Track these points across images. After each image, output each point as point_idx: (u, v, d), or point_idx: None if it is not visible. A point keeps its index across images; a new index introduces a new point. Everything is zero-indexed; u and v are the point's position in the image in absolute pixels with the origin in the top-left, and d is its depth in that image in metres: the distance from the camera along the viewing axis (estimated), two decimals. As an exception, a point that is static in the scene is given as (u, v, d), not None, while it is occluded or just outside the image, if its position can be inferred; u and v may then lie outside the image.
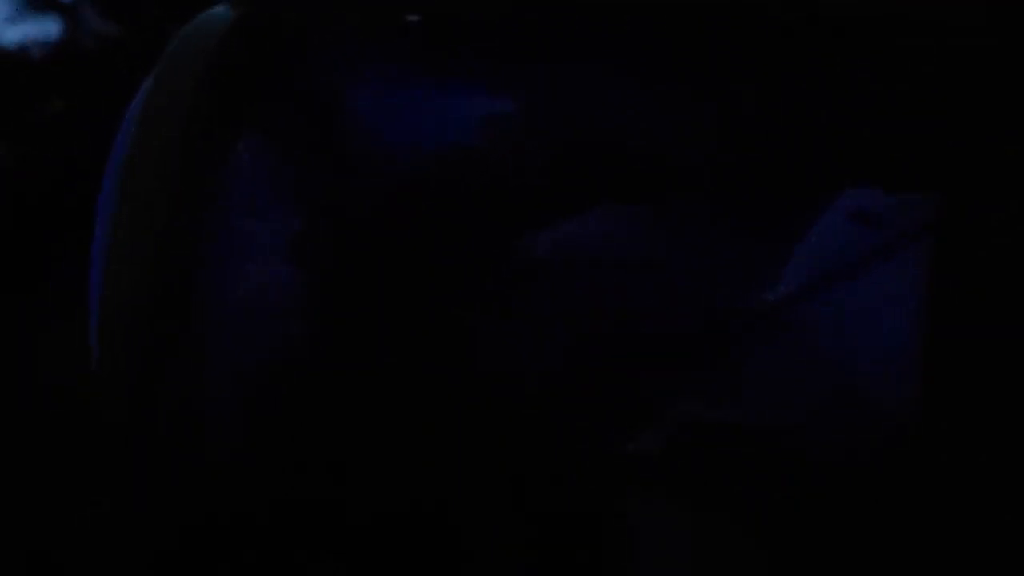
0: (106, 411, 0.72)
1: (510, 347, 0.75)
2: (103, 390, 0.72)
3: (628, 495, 0.74)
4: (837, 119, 0.73)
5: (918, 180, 0.74)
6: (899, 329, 0.74)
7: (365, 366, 0.74)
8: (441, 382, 0.74)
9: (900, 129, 0.72)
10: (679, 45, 0.71)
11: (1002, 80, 0.67)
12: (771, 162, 0.75)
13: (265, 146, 0.75)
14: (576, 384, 0.74)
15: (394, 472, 0.73)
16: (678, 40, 0.71)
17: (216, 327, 0.73)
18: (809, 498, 0.72)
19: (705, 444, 0.75)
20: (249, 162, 0.75)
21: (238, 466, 0.73)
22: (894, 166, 0.73)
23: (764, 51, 0.69)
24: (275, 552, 0.72)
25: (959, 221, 0.71)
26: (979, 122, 0.69)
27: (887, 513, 0.71)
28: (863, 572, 0.70)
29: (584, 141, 0.77)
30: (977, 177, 0.70)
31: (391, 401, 0.74)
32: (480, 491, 0.71)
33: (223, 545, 0.70)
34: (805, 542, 0.73)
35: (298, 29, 0.73)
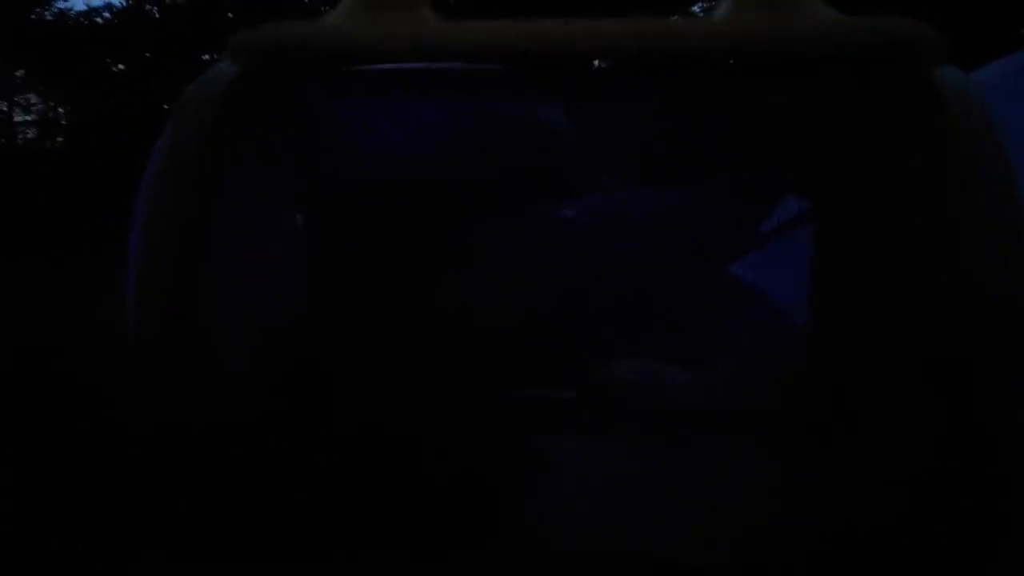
0: (138, 355, 0.82)
1: (474, 303, 0.87)
2: (136, 335, 0.82)
3: (550, 434, 0.86)
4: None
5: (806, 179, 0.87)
6: (793, 296, 0.86)
7: (353, 320, 0.86)
8: (412, 333, 0.86)
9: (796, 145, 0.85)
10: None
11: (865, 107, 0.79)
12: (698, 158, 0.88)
13: (267, 156, 0.85)
14: (522, 339, 0.87)
15: (373, 400, 0.85)
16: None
17: (230, 284, 0.84)
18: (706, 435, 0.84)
19: (624, 393, 0.88)
20: (255, 167, 0.85)
21: (249, 385, 0.85)
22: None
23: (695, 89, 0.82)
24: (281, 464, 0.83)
25: (838, 209, 0.83)
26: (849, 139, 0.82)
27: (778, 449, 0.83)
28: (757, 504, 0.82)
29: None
30: (848, 176, 0.83)
31: (373, 341, 0.86)
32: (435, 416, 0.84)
33: (235, 454, 0.81)
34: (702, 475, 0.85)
35: (289, 76, 0.80)
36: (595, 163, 0.95)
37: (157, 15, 7.03)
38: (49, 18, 7.29)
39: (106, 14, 7.13)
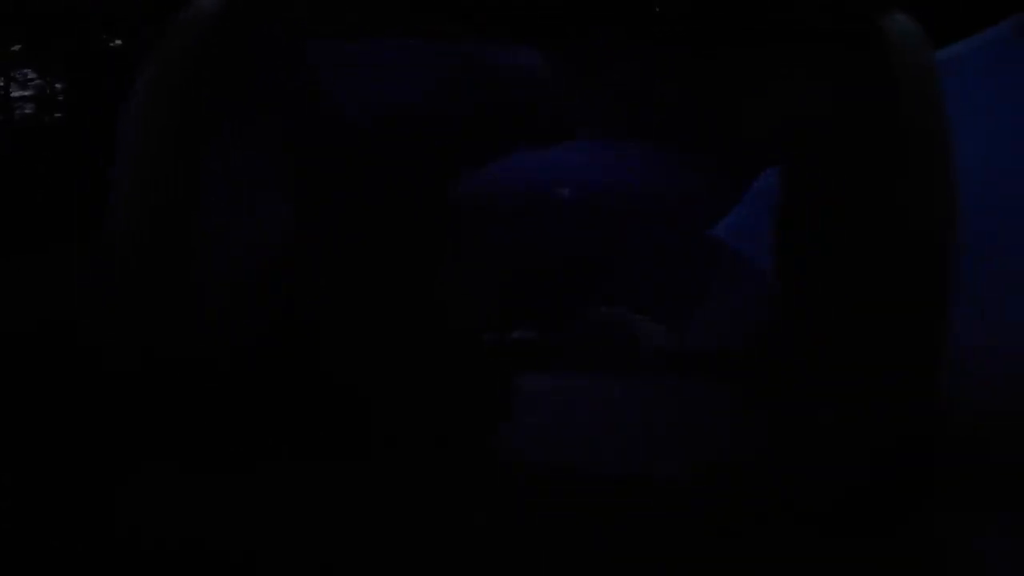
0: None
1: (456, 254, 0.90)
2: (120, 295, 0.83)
3: (524, 369, 0.89)
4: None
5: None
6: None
7: (338, 269, 0.88)
8: (397, 283, 0.88)
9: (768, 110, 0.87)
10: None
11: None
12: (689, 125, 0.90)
13: (253, 105, 0.84)
14: (504, 285, 0.89)
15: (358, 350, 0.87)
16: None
17: (216, 235, 0.85)
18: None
19: (599, 332, 0.90)
20: (241, 117, 0.85)
21: (232, 327, 0.87)
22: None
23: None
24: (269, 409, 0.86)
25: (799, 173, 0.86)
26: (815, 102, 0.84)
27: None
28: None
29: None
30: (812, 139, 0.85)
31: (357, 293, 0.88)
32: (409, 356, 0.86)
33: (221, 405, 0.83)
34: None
35: (280, 11, 0.79)
36: (575, 118, 0.97)
37: (153, -11, 6.95)
38: (46, -9, 7.22)
39: (102, -11, 7.07)
